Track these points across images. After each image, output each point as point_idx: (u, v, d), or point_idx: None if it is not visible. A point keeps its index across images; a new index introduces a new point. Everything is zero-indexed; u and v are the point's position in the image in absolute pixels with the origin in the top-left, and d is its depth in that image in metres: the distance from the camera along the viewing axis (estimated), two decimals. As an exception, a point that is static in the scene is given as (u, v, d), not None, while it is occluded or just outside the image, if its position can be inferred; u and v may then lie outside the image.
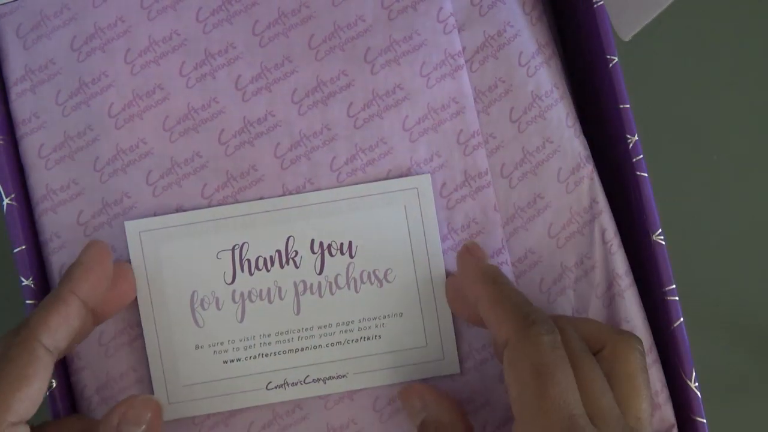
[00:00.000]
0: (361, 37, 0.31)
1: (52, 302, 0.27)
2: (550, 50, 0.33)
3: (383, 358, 0.30)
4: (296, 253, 0.30)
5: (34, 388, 0.25)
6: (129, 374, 0.31)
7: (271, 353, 0.30)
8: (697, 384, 0.30)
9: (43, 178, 0.31)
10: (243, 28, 0.31)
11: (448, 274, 0.31)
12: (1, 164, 0.30)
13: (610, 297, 0.32)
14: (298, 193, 0.31)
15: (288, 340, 0.30)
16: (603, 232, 0.32)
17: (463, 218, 0.31)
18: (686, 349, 0.30)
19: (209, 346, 0.30)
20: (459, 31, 0.32)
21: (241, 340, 0.30)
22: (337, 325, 0.30)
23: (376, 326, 0.30)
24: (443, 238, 0.31)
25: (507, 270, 0.31)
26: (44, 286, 0.31)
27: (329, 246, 0.30)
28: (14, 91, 0.31)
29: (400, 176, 0.31)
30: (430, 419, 0.28)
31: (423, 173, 0.31)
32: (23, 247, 0.30)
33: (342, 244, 0.30)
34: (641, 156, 0.30)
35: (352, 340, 0.30)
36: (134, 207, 0.31)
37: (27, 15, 0.31)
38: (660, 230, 0.30)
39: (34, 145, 0.31)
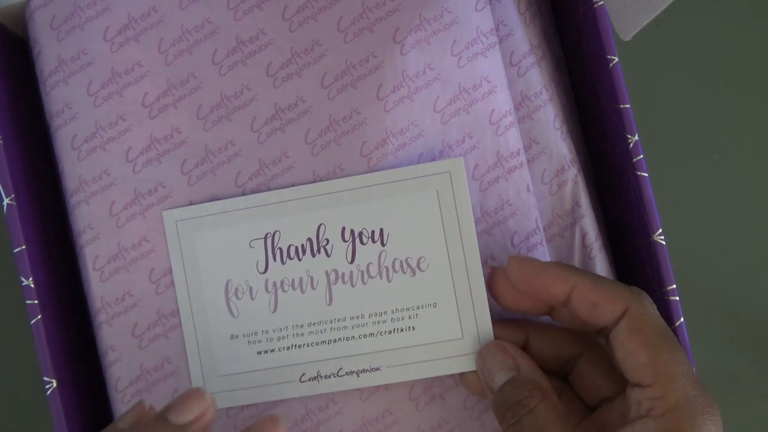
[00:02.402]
0: (390, 16, 0.31)
1: None
2: (541, 51, 0.33)
3: (418, 351, 0.29)
4: (327, 241, 0.30)
5: None
6: (164, 366, 0.31)
7: (304, 344, 0.30)
8: (697, 384, 0.30)
9: (76, 169, 0.31)
10: (273, 14, 0.31)
11: (483, 261, 0.30)
12: (1, 164, 0.30)
13: None
14: (328, 179, 0.30)
15: (320, 331, 0.30)
16: (584, 236, 0.32)
17: (496, 200, 0.31)
18: (686, 349, 0.30)
19: (244, 336, 0.30)
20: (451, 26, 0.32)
21: (274, 331, 0.30)
22: (370, 315, 0.29)
23: (410, 317, 0.29)
24: (476, 222, 0.30)
25: (543, 250, 0.31)
26: (44, 286, 0.31)
27: (360, 234, 0.30)
28: (48, 84, 0.31)
29: (432, 160, 0.30)
30: (524, 379, 0.27)
31: (455, 156, 0.31)
32: (23, 247, 0.30)
33: (373, 231, 0.29)
34: (641, 156, 0.30)
35: (385, 332, 0.29)
36: (169, 197, 0.31)
37: (60, 7, 0.31)
38: (660, 230, 0.30)
39: (67, 136, 0.31)
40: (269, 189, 0.30)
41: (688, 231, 0.46)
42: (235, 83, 0.31)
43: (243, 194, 0.31)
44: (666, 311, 0.30)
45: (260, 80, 0.31)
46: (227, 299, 0.30)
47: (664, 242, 0.30)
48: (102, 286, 0.31)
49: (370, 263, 0.29)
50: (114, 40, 0.31)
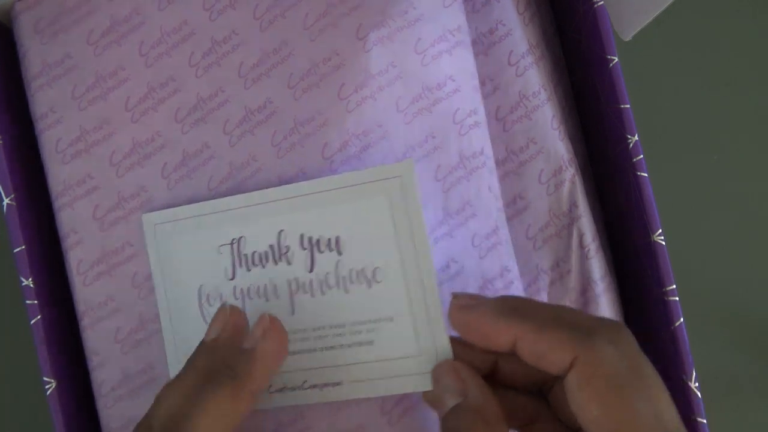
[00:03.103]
0: (353, 12, 0.29)
1: (227, 405, 0.25)
2: (540, 51, 0.33)
3: (377, 367, 0.27)
4: (288, 248, 0.28)
5: None
6: (146, 371, 0.30)
7: None
8: (697, 384, 0.30)
9: (61, 173, 0.31)
10: (245, 13, 0.30)
11: (440, 275, 0.29)
12: (1, 164, 0.30)
13: (584, 302, 0.32)
14: (292, 183, 0.29)
15: None
16: (581, 237, 0.32)
17: (458, 202, 0.30)
18: (686, 349, 0.29)
19: None
20: None
21: None
22: (330, 327, 0.28)
23: (368, 331, 0.27)
24: (440, 224, 0.30)
25: (504, 249, 0.30)
26: (44, 286, 0.31)
27: (318, 241, 0.28)
28: (33, 87, 0.31)
29: (396, 162, 0.29)
30: (469, 407, 0.24)
31: (417, 158, 0.29)
32: (23, 247, 0.30)
33: (329, 239, 0.28)
34: (641, 156, 0.30)
35: (345, 345, 0.28)
36: (151, 200, 0.31)
37: (45, 10, 0.31)
38: (660, 230, 0.30)
39: (51, 140, 0.31)
40: (238, 193, 0.30)
41: (688, 231, 0.46)
42: (210, 85, 0.30)
43: (214, 198, 0.30)
44: (666, 311, 0.30)
45: (233, 82, 0.30)
46: (200, 305, 0.30)
47: (663, 242, 0.30)
48: (85, 291, 0.31)
49: (328, 273, 0.28)
50: (98, 44, 0.31)
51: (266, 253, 0.29)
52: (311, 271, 0.28)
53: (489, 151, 0.30)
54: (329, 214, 0.28)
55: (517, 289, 0.30)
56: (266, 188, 0.29)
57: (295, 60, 0.30)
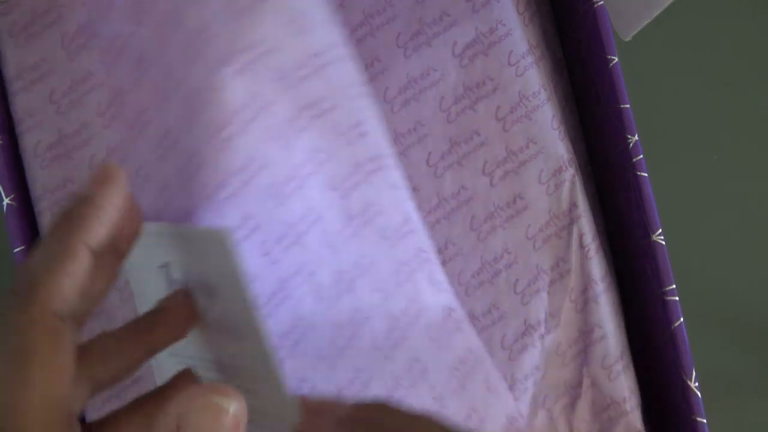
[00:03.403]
0: (210, 43, 0.28)
1: (57, 257, 0.20)
2: (540, 51, 0.33)
3: (264, 415, 0.26)
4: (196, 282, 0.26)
5: (60, 373, 0.19)
6: (136, 380, 0.31)
7: (210, 377, 0.27)
8: (697, 384, 0.30)
9: (39, 176, 0.31)
10: (164, 20, 0.29)
11: (354, 270, 0.28)
12: (0, 164, 0.30)
13: (584, 301, 0.32)
14: (188, 219, 0.27)
15: (213, 369, 0.27)
16: (581, 237, 0.32)
17: (360, 204, 0.29)
18: (686, 349, 0.30)
19: (172, 356, 0.28)
20: (451, 26, 0.32)
21: (200, 360, 0.27)
22: (227, 367, 0.27)
23: (250, 380, 0.26)
24: (343, 227, 0.29)
25: (417, 237, 0.29)
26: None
27: (204, 283, 0.26)
28: (10, 90, 0.31)
29: (284, 185, 0.28)
30: None
31: (308, 172, 0.28)
32: (23, 247, 0.30)
33: (208, 284, 0.26)
34: (641, 156, 0.30)
35: (243, 388, 0.26)
36: None
37: (18, 15, 0.31)
38: (660, 230, 0.30)
39: (30, 143, 0.31)
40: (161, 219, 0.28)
41: (688, 231, 0.46)
42: (145, 98, 0.29)
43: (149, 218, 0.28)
44: (666, 311, 0.30)
45: (156, 97, 0.29)
46: None
47: (663, 242, 0.30)
48: None
49: (215, 318, 0.26)
50: (70, 48, 0.31)
51: (186, 282, 0.26)
52: (207, 310, 0.26)
53: (386, 150, 0.29)
54: (201, 262, 0.25)
55: (435, 264, 0.30)
56: (176, 220, 0.27)
57: (182, 88, 0.28)
